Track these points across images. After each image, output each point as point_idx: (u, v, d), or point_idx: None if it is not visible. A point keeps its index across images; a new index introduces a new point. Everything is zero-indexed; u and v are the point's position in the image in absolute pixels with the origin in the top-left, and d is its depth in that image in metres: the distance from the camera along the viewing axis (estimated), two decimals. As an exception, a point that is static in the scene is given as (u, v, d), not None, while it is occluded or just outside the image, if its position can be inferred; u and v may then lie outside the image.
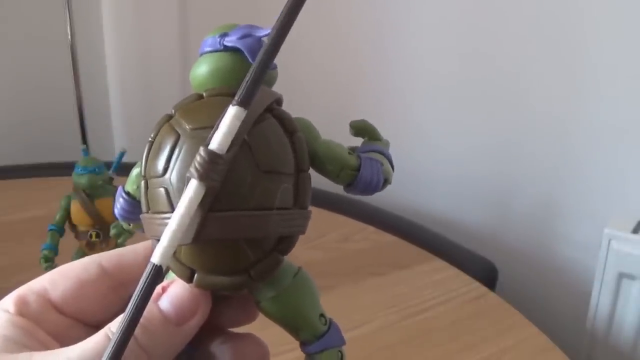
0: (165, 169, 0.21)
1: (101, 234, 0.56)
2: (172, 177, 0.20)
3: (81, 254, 0.56)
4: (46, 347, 0.21)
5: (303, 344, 0.23)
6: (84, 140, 1.13)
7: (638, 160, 0.76)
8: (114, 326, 0.20)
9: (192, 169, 0.19)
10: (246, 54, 0.22)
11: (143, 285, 0.18)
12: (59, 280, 0.23)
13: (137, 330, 0.19)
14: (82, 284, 0.23)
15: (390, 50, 1.00)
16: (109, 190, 0.56)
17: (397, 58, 0.99)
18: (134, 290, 0.19)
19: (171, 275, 0.22)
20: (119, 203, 0.24)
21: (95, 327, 0.23)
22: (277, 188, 0.20)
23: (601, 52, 0.77)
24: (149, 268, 0.18)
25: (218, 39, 0.22)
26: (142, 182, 0.22)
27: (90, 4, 1.17)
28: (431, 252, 0.74)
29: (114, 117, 1.28)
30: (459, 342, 0.56)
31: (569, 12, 0.79)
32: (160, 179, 0.21)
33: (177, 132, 0.21)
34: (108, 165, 0.58)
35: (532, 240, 0.89)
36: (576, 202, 0.82)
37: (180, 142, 0.21)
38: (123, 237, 0.31)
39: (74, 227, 0.58)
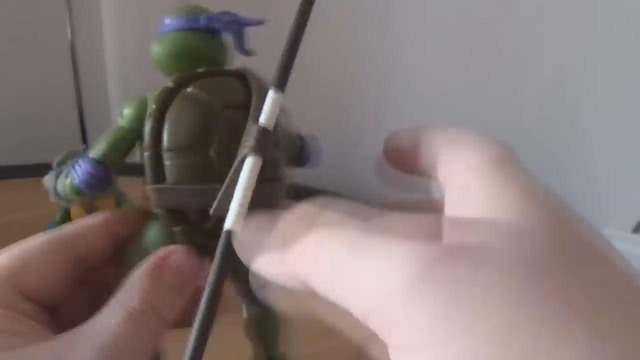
0: (198, 142, 0.22)
1: (101, 234, 0.56)
2: (212, 151, 0.22)
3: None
4: (45, 335, 0.20)
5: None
6: (84, 140, 1.13)
7: (638, 160, 0.76)
8: (126, 298, 0.20)
9: (249, 144, 0.20)
10: (233, 38, 0.24)
11: (222, 253, 0.19)
12: (21, 264, 0.22)
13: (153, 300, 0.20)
14: (47, 265, 0.22)
15: (393, 41, 1.00)
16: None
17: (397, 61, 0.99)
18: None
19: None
20: (86, 169, 0.23)
21: (55, 309, 0.22)
22: (285, 163, 0.23)
23: (601, 53, 0.77)
24: (224, 236, 0.20)
25: (204, 20, 0.24)
26: (149, 153, 0.22)
27: (90, 4, 1.17)
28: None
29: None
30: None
31: (570, 19, 0.79)
32: (192, 151, 0.22)
33: (205, 107, 0.22)
34: (108, 165, 0.58)
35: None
36: (576, 202, 0.82)
37: (214, 118, 0.22)
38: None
39: (74, 227, 0.58)
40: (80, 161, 0.23)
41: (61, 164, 0.32)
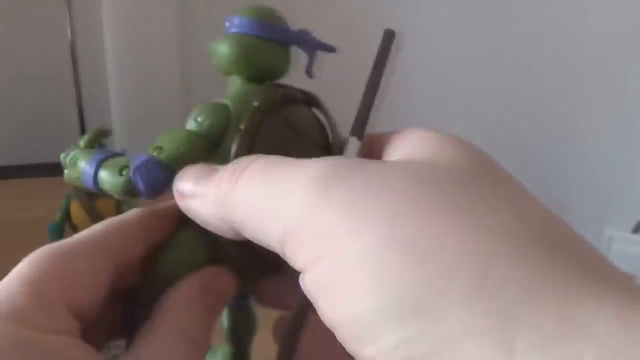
0: None
1: (101, 234, 0.56)
2: None
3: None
4: None
5: None
6: (84, 140, 1.13)
7: (638, 160, 0.76)
8: (181, 324, 0.20)
9: None
10: (311, 60, 0.24)
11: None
12: (70, 278, 0.19)
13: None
14: (94, 278, 0.20)
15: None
16: (109, 190, 0.56)
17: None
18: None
19: None
20: (156, 175, 0.21)
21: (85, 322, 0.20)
22: None
23: (604, 52, 0.77)
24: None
25: (286, 30, 0.23)
26: None
27: (90, 4, 1.17)
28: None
29: (114, 117, 1.28)
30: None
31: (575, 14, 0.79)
32: None
33: (296, 138, 0.23)
34: (108, 165, 0.58)
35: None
36: (576, 202, 0.82)
37: (302, 152, 0.21)
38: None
39: (74, 227, 0.58)
40: (152, 165, 0.21)
41: (91, 144, 0.29)
